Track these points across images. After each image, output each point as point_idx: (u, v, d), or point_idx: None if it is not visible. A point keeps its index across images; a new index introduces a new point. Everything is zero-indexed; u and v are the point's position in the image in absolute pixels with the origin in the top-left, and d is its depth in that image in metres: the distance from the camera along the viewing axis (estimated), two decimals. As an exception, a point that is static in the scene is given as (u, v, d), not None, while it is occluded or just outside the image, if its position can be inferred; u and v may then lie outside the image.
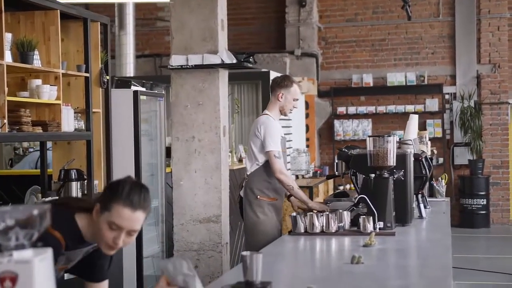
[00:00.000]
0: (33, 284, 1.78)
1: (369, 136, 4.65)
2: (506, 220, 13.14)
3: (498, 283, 8.45)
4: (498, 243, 11.70)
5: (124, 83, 7.01)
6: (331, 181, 11.23)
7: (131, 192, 2.74)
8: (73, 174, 5.67)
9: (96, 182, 6.06)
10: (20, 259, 1.80)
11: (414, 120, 5.94)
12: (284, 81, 5.54)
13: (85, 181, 5.84)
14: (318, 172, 11.06)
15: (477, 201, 12.72)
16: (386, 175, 4.56)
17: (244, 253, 2.81)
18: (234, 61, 5.70)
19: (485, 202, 12.75)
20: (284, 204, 5.80)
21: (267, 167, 5.37)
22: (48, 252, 1.85)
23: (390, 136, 4.59)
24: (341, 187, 10.94)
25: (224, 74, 5.88)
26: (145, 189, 2.80)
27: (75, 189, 5.64)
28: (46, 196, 5.49)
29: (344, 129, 13.44)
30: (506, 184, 13.17)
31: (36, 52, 5.21)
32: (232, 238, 7.24)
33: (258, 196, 5.44)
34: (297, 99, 5.55)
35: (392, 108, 13.27)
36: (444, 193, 6.64)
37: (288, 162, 9.98)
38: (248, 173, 5.53)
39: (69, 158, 5.94)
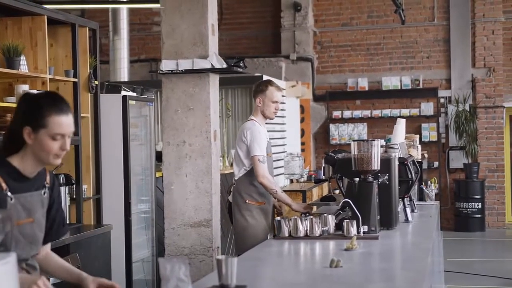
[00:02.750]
0: (-5, 288, 1.80)
1: (353, 140, 4.66)
2: (501, 224, 13.14)
3: (493, 287, 8.44)
4: (493, 247, 11.68)
5: (115, 88, 7.03)
6: (325, 185, 11.22)
7: (55, 102, 2.86)
8: (62, 179, 5.68)
9: (84, 187, 6.08)
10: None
11: (401, 125, 5.95)
12: (260, 86, 5.63)
13: (74, 185, 5.86)
14: (313, 176, 11.05)
15: (472, 204, 12.72)
16: (370, 179, 4.57)
17: (218, 257, 2.84)
18: (224, 65, 5.71)
19: (480, 206, 12.75)
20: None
21: (254, 171, 5.41)
22: (12, 256, 1.87)
23: (374, 140, 4.60)
24: (337, 191, 10.91)
25: (214, 79, 5.89)
26: (60, 95, 2.93)
27: (64, 194, 5.64)
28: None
29: (340, 133, 13.44)
30: (501, 188, 13.17)
31: (22, 57, 5.22)
32: (223, 242, 7.25)
33: (247, 201, 5.49)
34: (276, 101, 5.57)
35: (387, 112, 13.27)
36: (434, 197, 6.63)
37: (280, 167, 10.02)
38: (236, 178, 5.57)
39: (58, 163, 5.95)
